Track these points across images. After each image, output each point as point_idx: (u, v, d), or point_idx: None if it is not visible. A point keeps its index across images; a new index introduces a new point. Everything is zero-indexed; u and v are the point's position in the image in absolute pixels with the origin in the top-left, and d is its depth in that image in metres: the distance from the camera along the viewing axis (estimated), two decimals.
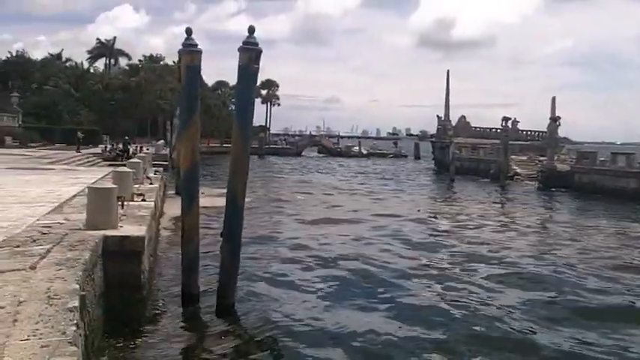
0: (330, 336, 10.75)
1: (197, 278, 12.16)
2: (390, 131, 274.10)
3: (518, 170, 56.23)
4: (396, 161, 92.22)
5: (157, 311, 11.54)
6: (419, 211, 30.40)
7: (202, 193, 13.30)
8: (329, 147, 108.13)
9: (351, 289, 13.61)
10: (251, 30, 11.40)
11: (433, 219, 27.97)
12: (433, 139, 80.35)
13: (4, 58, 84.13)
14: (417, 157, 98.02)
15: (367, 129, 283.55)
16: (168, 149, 50.29)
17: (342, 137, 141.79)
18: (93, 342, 8.58)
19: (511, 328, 11.30)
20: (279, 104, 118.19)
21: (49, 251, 9.70)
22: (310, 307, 12.35)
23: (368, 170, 68.68)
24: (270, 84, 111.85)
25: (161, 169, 34.08)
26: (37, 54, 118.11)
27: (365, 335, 10.79)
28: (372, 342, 10.44)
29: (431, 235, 22.44)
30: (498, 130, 65.14)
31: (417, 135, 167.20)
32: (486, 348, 10.31)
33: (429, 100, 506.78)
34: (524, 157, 61.71)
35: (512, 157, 57.22)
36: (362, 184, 48.89)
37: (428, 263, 17.03)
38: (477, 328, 11.19)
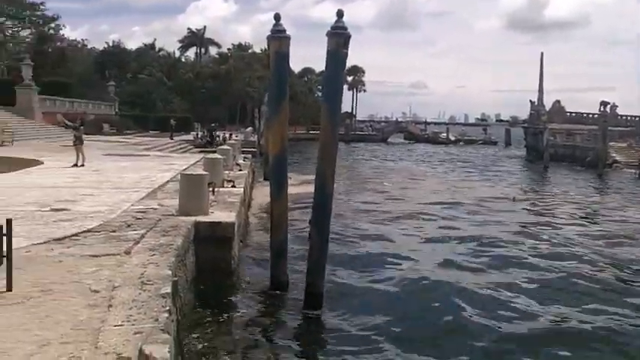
0: (408, 332, 10.42)
1: (286, 265, 12.15)
2: (479, 117, 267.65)
3: (618, 157, 53.47)
4: (485, 148, 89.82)
5: (246, 297, 11.60)
6: (513, 199, 29.33)
7: (290, 179, 13.25)
8: (416, 133, 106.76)
9: (442, 284, 13.14)
10: (340, 14, 11.17)
11: (529, 209, 26.89)
12: (525, 125, 77.66)
13: (101, 48, 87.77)
14: (508, 143, 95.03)
15: (455, 115, 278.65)
16: (256, 136, 51.06)
17: (428, 123, 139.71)
18: (184, 325, 8.68)
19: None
20: (364, 90, 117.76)
21: (143, 236, 9.89)
22: (399, 301, 12.03)
23: (456, 157, 67.20)
24: (356, 70, 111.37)
25: (250, 155, 34.57)
26: (132, 44, 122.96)
27: (454, 332, 10.45)
28: (459, 342, 10.02)
29: (528, 227, 21.38)
30: (595, 116, 62.14)
31: (507, 121, 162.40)
32: None
33: (520, 85, 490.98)
34: (624, 144, 58.53)
35: (611, 143, 54.44)
36: (451, 171, 47.85)
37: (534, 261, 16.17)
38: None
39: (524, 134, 76.32)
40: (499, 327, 10.62)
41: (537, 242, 18.36)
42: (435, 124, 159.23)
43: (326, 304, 11.34)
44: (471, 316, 11.07)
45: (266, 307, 11.26)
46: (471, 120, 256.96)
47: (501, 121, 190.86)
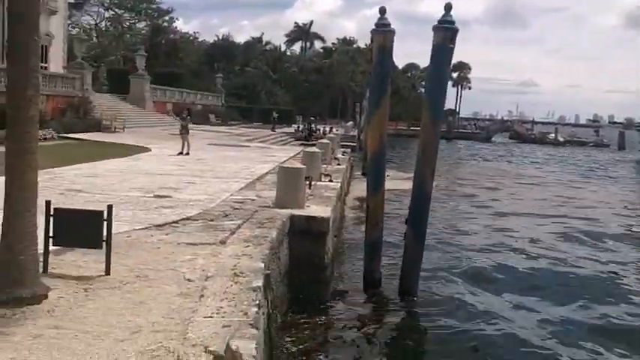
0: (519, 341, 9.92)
1: (379, 262, 11.92)
2: (591, 118, 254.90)
3: None
4: (596, 151, 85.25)
5: (339, 293, 11.48)
6: (626, 207, 27.55)
7: (388, 176, 12.98)
8: (522, 133, 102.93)
9: (543, 290, 12.48)
10: (448, 7, 10.78)
11: None
12: None
13: (211, 41, 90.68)
14: (622, 146, 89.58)
15: (565, 115, 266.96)
16: (356, 130, 50.92)
17: (536, 123, 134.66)
18: (276, 318, 8.64)
19: None
20: (470, 87, 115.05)
21: (239, 227, 9.95)
22: (497, 307, 11.52)
23: (565, 159, 64.11)
24: (461, 66, 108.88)
25: (349, 150, 34.49)
26: (241, 38, 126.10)
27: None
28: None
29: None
30: None
31: (620, 123, 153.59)
32: None
33: (635, 86, 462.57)
34: None
35: None
36: (558, 173, 45.72)
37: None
38: None
39: None
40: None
41: None
42: (543, 123, 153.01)
43: (419, 302, 11.03)
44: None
45: (359, 305, 11.09)
46: (582, 121, 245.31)
47: (615, 122, 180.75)
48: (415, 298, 11.06)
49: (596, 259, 15.78)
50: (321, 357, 8.75)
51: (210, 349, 4.91)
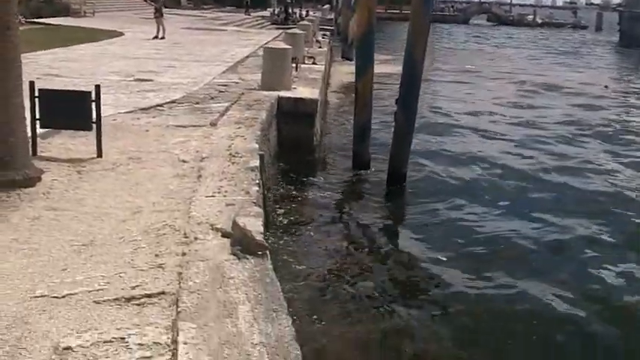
0: (501, 213, 10.09)
1: (368, 145, 11.81)
2: (568, 0, 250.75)
3: None
4: (574, 32, 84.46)
5: (328, 174, 11.46)
6: (606, 87, 27.56)
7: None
8: (500, 15, 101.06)
9: (526, 174, 12.56)
10: None
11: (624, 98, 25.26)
12: (621, 9, 72.08)
13: None
14: (599, 28, 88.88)
15: None
16: (334, 14, 49.48)
17: (514, 5, 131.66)
18: (270, 199, 8.60)
19: None
20: None
21: (227, 109, 9.71)
22: (484, 185, 11.63)
23: (543, 42, 63.54)
24: None
25: (328, 33, 33.59)
26: None
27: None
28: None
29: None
30: None
31: (598, 4, 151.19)
32: None
33: None
34: None
35: None
36: (536, 57, 45.32)
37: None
38: None
39: (619, 18, 70.99)
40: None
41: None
42: (521, 5, 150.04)
43: (408, 183, 11.07)
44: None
45: (348, 184, 11.11)
46: (560, 3, 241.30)
47: (592, 4, 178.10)
48: (404, 182, 11.06)
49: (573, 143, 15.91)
50: (311, 229, 8.79)
51: (217, 226, 4.82)
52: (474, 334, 6.56)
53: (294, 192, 9.84)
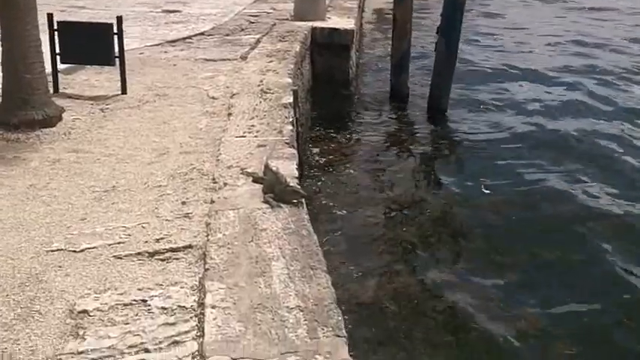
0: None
1: (407, 77, 11.19)
2: None
3: None
4: None
5: (365, 108, 10.93)
6: None
7: None
8: None
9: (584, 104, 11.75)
10: None
11: None
12: None
13: None
14: None
15: None
16: None
17: None
18: (304, 136, 8.18)
19: None
20: None
21: (258, 41, 9.19)
22: (530, 121, 10.93)
23: None
24: None
25: None
26: None
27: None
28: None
29: None
30: None
31: None
32: None
33: None
34: None
35: None
36: None
37: None
38: None
39: None
40: None
41: None
42: None
43: (448, 119, 10.51)
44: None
45: (386, 119, 10.56)
46: None
47: None
48: (445, 114, 10.50)
49: None
50: (348, 169, 8.37)
51: (248, 170, 4.43)
52: (521, 287, 6.10)
53: (329, 129, 9.37)
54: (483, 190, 8.18)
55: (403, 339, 5.12)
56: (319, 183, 7.54)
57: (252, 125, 5.48)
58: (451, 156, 9.57)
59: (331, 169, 8.16)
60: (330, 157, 8.53)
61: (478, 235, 7.07)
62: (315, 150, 8.50)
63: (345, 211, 7.08)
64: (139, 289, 3.03)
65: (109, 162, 4.81)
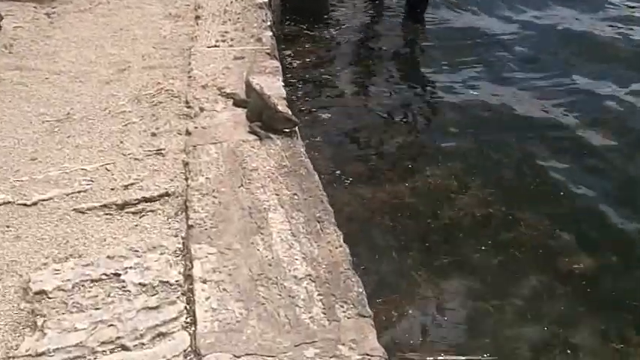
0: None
1: None
2: None
3: None
4: None
5: (340, 4, 10.05)
6: None
7: None
8: None
9: None
10: None
11: None
12: None
13: None
14: None
15: None
16: None
17: None
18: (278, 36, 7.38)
19: None
20: None
21: None
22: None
23: None
24: None
25: None
26: None
27: None
28: None
29: None
30: None
31: None
32: None
33: None
34: None
35: None
36: None
37: None
38: None
39: None
40: None
41: None
42: None
43: (430, 14, 9.72)
44: None
45: (363, 14, 9.72)
46: None
47: None
48: (424, 9, 9.69)
49: None
50: (323, 73, 7.69)
51: (227, 90, 3.77)
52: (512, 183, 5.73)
53: (303, 28, 8.54)
54: (471, 91, 7.68)
55: (401, 249, 4.74)
56: (298, 89, 6.86)
57: (226, 32, 4.73)
58: (432, 54, 8.89)
59: (307, 74, 7.46)
60: (306, 59, 7.79)
61: (469, 135, 6.63)
62: (288, 52, 7.72)
63: (326, 116, 6.51)
64: (109, 257, 2.45)
65: (61, 81, 4.07)
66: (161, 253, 2.48)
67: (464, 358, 3.95)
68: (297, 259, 2.43)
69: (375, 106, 7.08)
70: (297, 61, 7.69)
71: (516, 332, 4.19)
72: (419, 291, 4.37)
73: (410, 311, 4.27)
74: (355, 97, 7.31)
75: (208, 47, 4.47)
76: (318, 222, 2.65)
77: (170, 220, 2.73)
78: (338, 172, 5.53)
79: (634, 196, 5.64)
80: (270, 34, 4.73)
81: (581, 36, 8.92)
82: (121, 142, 3.33)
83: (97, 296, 2.26)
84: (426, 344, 4.07)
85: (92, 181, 2.98)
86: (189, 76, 4.03)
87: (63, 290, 2.29)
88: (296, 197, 2.81)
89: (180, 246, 2.53)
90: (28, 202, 2.82)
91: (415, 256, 4.64)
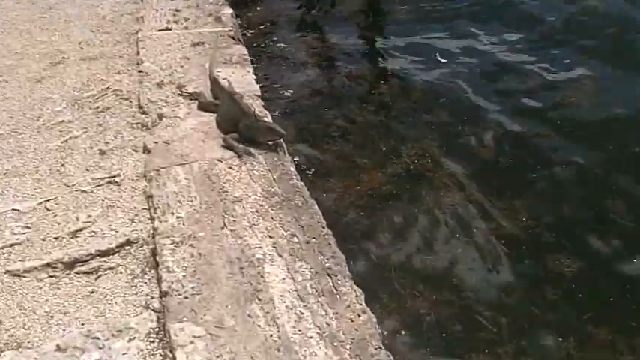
0: None
1: None
2: None
3: None
4: None
5: None
6: None
7: None
8: None
9: None
10: None
11: None
12: None
13: None
14: None
15: None
16: None
17: None
18: None
19: None
20: None
21: None
22: None
23: None
24: None
25: None
26: None
27: None
28: None
29: None
30: None
31: None
32: None
33: None
34: None
35: None
36: None
37: None
38: None
39: None
40: None
41: None
42: None
43: None
44: None
45: None
46: None
47: None
48: None
49: None
50: (280, 40, 7.00)
51: (188, 89, 3.11)
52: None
53: None
54: (439, 58, 7.13)
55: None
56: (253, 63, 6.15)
57: (177, 10, 4.02)
58: (397, 21, 8.29)
59: (261, 43, 6.75)
60: (261, 27, 7.07)
61: (441, 106, 6.12)
62: (239, 21, 6.96)
63: (288, 93, 5.87)
64: (60, 349, 1.83)
65: None
66: (130, 339, 1.86)
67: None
68: (311, 337, 1.86)
69: (338, 79, 6.49)
70: (251, 31, 6.97)
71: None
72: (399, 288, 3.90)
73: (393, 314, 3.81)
74: (315, 69, 6.70)
75: (159, 30, 3.76)
76: (330, 276, 2.08)
77: (136, 280, 2.10)
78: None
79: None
80: (231, 11, 4.05)
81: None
82: (62, 167, 2.65)
83: None
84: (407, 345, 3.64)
85: (28, 227, 2.31)
86: (140, 70, 3.34)
87: None
88: (295, 239, 2.21)
89: (155, 325, 1.91)
90: None
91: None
